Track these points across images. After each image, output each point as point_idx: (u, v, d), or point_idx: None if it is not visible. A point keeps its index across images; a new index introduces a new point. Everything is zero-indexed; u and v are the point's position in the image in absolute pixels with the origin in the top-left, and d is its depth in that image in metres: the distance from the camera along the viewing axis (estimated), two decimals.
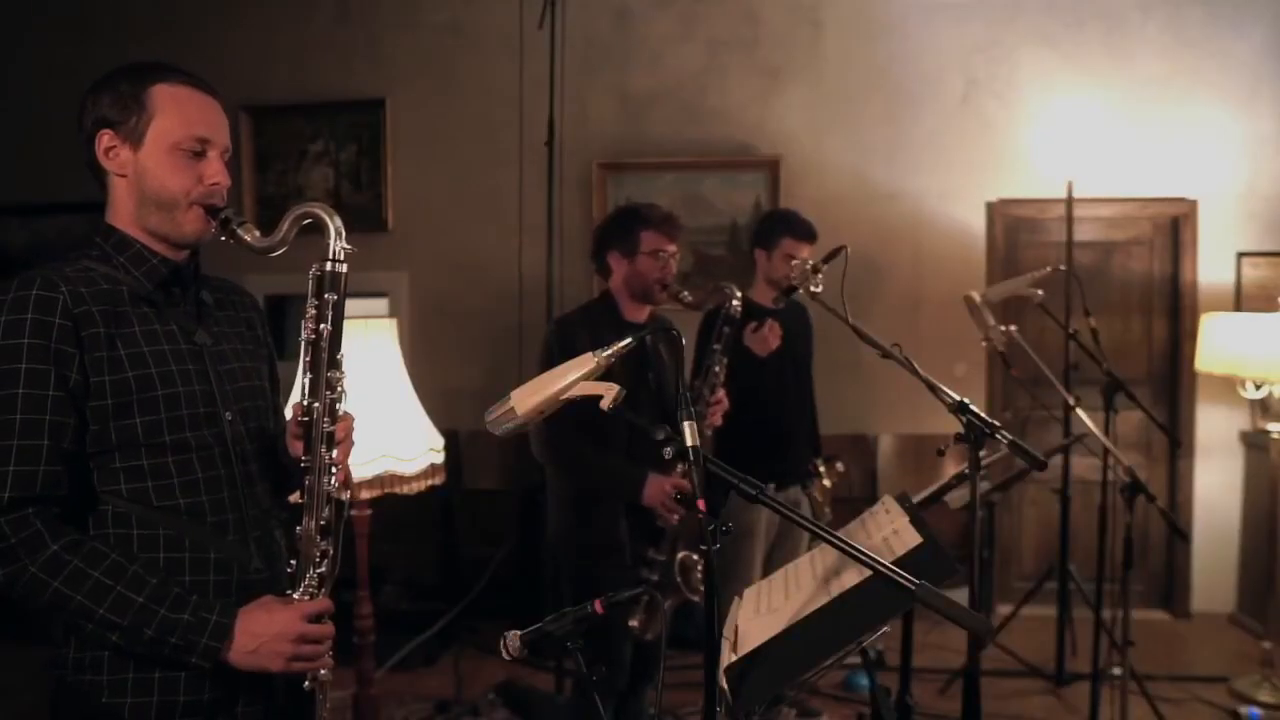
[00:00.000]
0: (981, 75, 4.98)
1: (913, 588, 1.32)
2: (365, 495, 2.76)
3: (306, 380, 1.58)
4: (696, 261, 5.00)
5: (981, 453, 2.07)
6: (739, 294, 2.98)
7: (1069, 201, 4.43)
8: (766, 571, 3.35)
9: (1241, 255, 4.92)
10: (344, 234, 1.57)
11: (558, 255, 4.43)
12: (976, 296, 3.38)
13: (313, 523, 1.57)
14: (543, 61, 4.39)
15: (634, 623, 2.73)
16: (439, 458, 2.97)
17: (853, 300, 2.16)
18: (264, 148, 5.33)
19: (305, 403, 1.58)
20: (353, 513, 2.78)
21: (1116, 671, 3.48)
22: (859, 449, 4.96)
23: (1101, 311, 4.47)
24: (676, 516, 2.74)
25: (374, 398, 2.76)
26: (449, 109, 5.22)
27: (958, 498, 2.57)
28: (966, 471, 2.12)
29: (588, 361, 1.46)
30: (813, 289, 2.36)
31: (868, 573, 1.44)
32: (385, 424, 2.79)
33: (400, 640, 4.29)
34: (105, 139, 1.53)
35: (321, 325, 1.57)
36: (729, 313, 2.97)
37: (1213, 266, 4.93)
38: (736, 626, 1.60)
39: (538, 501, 3.57)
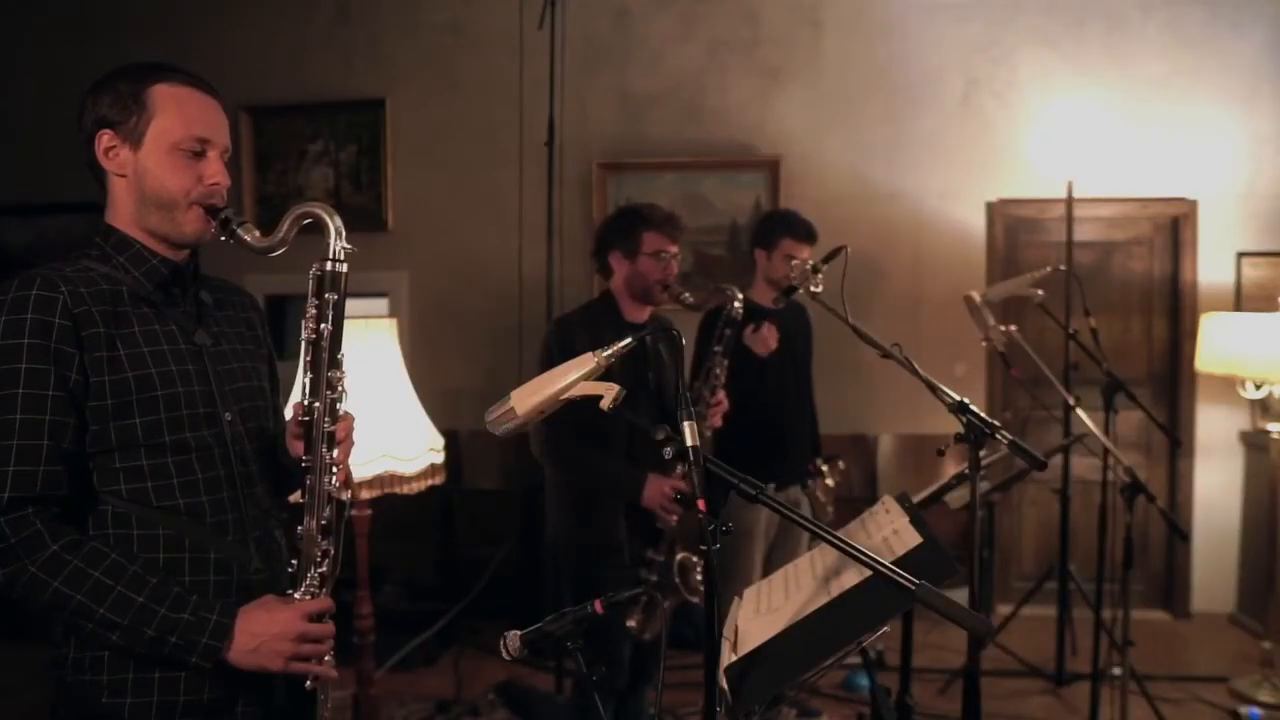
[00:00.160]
0: (981, 75, 4.98)
1: (913, 588, 1.32)
2: (365, 495, 2.76)
3: (307, 380, 1.58)
4: (696, 262, 5.00)
5: (981, 453, 2.07)
6: (740, 295, 2.98)
7: (1069, 201, 4.43)
8: (766, 571, 3.35)
9: (1241, 255, 4.92)
10: (344, 234, 1.57)
11: (558, 255, 4.43)
12: (976, 296, 3.38)
13: (313, 522, 1.57)
14: (543, 61, 4.39)
15: (633, 623, 2.73)
16: (439, 458, 2.97)
17: (853, 300, 2.16)
18: (264, 148, 5.33)
19: (305, 402, 1.58)
20: (353, 513, 2.78)
21: (1116, 671, 3.47)
22: (859, 449, 4.96)
23: (1101, 311, 4.48)
24: (676, 517, 2.74)
25: (374, 398, 2.76)
26: (449, 109, 5.22)
27: (958, 498, 2.57)
28: (966, 471, 2.12)
29: (588, 361, 1.46)
30: (813, 289, 2.36)
31: (868, 573, 1.44)
32: (385, 424, 2.79)
33: (400, 640, 4.29)
34: (105, 139, 1.53)
35: (322, 325, 1.57)
36: (730, 314, 2.97)
37: (1213, 266, 4.93)
38: (736, 626, 1.60)
39: (538, 501, 3.56)
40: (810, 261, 2.49)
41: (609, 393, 1.43)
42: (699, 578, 2.79)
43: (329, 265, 1.56)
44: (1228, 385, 4.45)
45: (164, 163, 1.53)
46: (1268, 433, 4.25)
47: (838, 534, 1.46)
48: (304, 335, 1.58)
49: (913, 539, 1.61)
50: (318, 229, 1.55)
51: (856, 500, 4.24)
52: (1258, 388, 4.24)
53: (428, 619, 4.45)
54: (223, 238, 1.56)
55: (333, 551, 1.59)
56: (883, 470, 5.05)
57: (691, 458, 1.36)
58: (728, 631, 1.59)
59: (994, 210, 5.01)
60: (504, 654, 1.58)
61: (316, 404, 1.57)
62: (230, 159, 1.61)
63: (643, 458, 2.73)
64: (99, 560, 1.43)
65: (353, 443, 1.66)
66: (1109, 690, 3.51)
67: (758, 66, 5.08)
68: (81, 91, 1.56)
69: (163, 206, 1.54)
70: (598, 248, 2.93)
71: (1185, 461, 5.00)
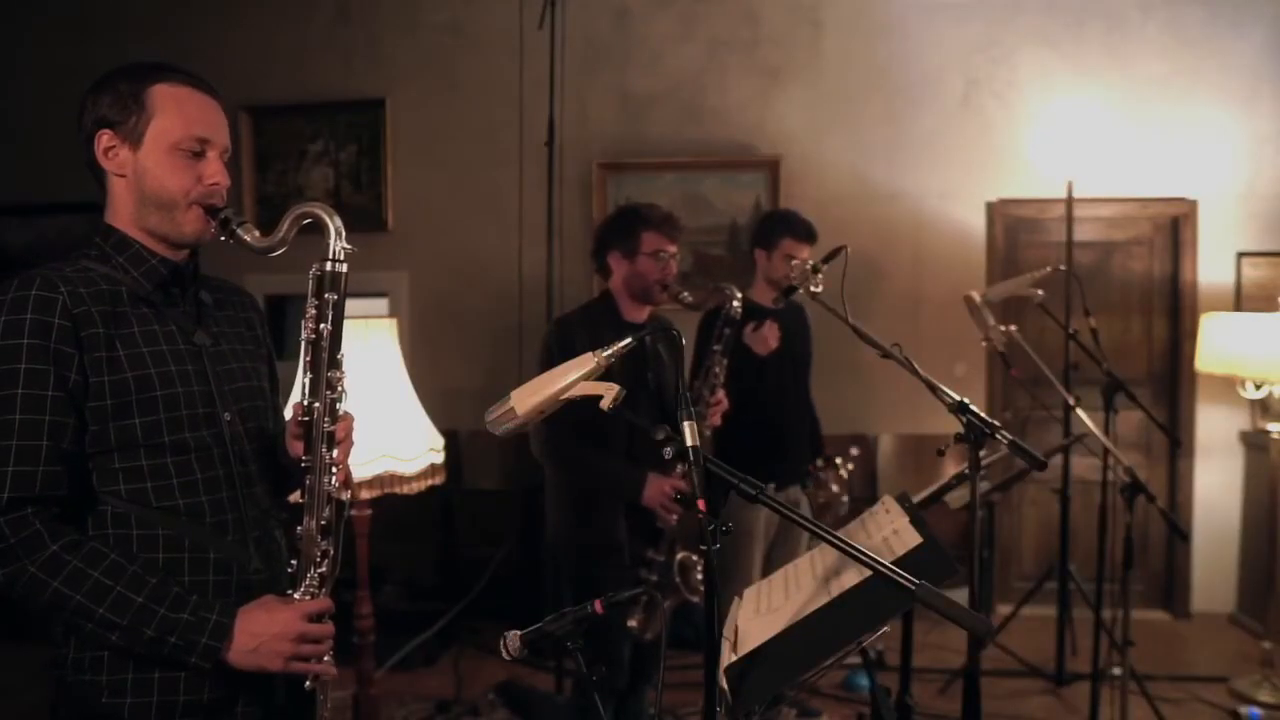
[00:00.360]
0: (981, 75, 4.98)
1: (913, 588, 1.32)
2: (365, 495, 2.76)
3: (306, 380, 1.58)
4: (696, 261, 5.00)
5: (981, 453, 2.07)
6: (739, 295, 2.98)
7: (1069, 201, 4.43)
8: (766, 571, 3.35)
9: (1241, 255, 4.92)
10: (344, 234, 1.57)
11: (558, 255, 4.43)
12: (976, 296, 3.38)
13: (313, 523, 1.57)
14: (543, 61, 4.39)
15: (633, 623, 2.73)
16: (439, 458, 2.97)
17: (853, 300, 2.16)
18: (264, 148, 5.33)
19: (305, 402, 1.58)
20: (353, 513, 2.78)
21: (1116, 671, 3.47)
22: (859, 449, 4.96)
23: (1101, 311, 4.48)
24: (676, 517, 2.74)
25: (374, 398, 2.76)
26: (449, 109, 5.22)
27: (958, 498, 2.57)
28: (966, 471, 2.11)
29: (588, 361, 1.46)
30: (813, 289, 2.36)
31: (868, 573, 1.43)
32: (385, 424, 2.79)
33: (400, 640, 4.29)
34: (104, 139, 1.53)
35: (321, 325, 1.57)
36: (729, 314, 2.97)
37: (1213, 266, 4.93)
38: (736, 626, 1.60)
39: (538, 501, 3.56)
40: (810, 261, 2.49)
41: (609, 393, 1.43)
42: (700, 577, 2.79)
43: (329, 265, 1.56)
44: (1228, 385, 4.45)
45: (163, 163, 1.53)
46: (1268, 433, 4.25)
47: (838, 534, 1.46)
48: (304, 335, 1.58)
49: (913, 539, 1.61)
50: (317, 229, 1.55)
51: (857, 500, 4.23)
52: (1258, 388, 4.24)
53: (428, 619, 4.45)
54: (222, 238, 1.56)
55: (332, 551, 1.59)
56: (883, 470, 5.05)
57: (691, 458, 1.36)
58: (728, 631, 1.59)
59: (994, 210, 5.01)
60: (504, 654, 1.58)
61: (316, 404, 1.57)
62: (230, 159, 1.61)
63: (643, 458, 2.73)
64: (98, 560, 1.43)
65: (352, 443, 1.66)
66: (1109, 690, 3.51)
67: (758, 66, 5.08)
68: (81, 91, 1.56)
69: (162, 206, 1.54)
70: (596, 248, 2.93)
71: (1185, 461, 5.00)
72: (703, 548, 1.34)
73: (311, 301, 1.57)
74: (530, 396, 1.46)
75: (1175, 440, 4.64)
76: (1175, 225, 5.01)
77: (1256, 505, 4.76)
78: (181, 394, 1.53)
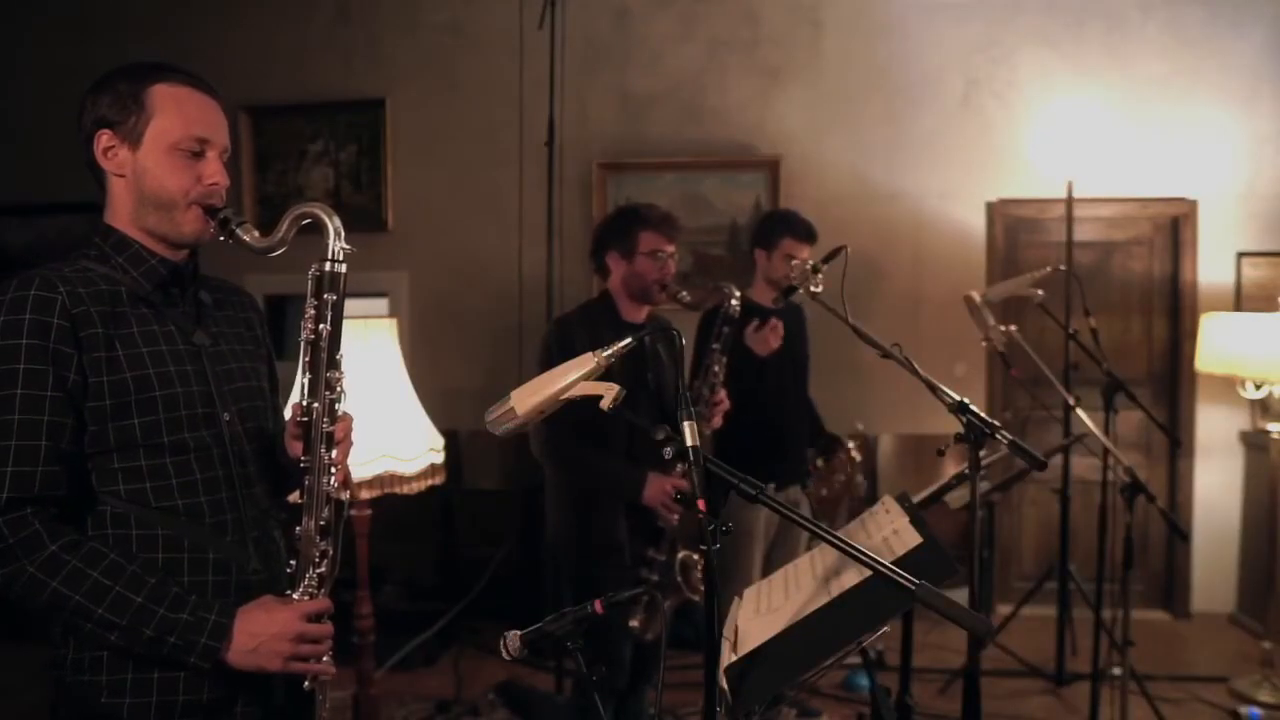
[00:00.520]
0: (981, 75, 4.98)
1: (913, 588, 1.32)
2: (365, 495, 2.76)
3: (306, 380, 1.58)
4: (696, 261, 5.00)
5: (981, 453, 2.07)
6: (737, 294, 2.98)
7: (1069, 201, 4.43)
8: (766, 571, 3.34)
9: (1241, 255, 4.92)
10: (343, 234, 1.57)
11: (558, 255, 4.43)
12: (976, 296, 3.38)
13: (312, 523, 1.57)
14: (543, 61, 4.39)
15: (634, 623, 2.73)
16: (439, 458, 2.97)
17: (853, 300, 2.16)
18: (264, 148, 5.33)
19: (305, 403, 1.58)
20: (352, 513, 2.78)
21: (1116, 671, 3.47)
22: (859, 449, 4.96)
23: (1101, 311, 4.47)
24: (676, 516, 2.74)
25: (374, 398, 2.76)
26: (449, 109, 5.22)
27: (958, 498, 2.57)
28: (966, 471, 2.11)
29: (587, 361, 1.46)
30: (813, 289, 2.36)
31: (868, 573, 1.43)
32: (385, 424, 2.79)
33: (400, 640, 4.29)
34: (104, 139, 1.53)
35: (321, 325, 1.57)
36: (728, 312, 2.97)
37: (1213, 266, 4.93)
38: (736, 626, 1.60)
39: (538, 501, 3.56)
40: (810, 261, 2.49)
41: (609, 393, 1.43)
42: (700, 576, 2.79)
43: (328, 265, 1.56)
44: (1228, 385, 4.45)
45: (163, 163, 1.53)
46: (1268, 433, 4.25)
47: (838, 534, 1.46)
48: (303, 335, 1.57)
49: (913, 539, 1.61)
50: (317, 229, 1.56)
51: (857, 500, 4.24)
52: (1258, 388, 4.24)
53: (428, 619, 4.44)
54: (222, 238, 1.56)
55: (331, 552, 1.59)
56: (883, 470, 5.05)
57: (691, 457, 1.36)
58: (728, 631, 1.59)
59: (994, 210, 5.00)
60: (504, 654, 1.58)
61: (315, 404, 1.57)
62: (230, 159, 1.61)
63: (643, 458, 2.73)
64: (97, 560, 1.43)
65: (351, 443, 1.66)
66: (1109, 690, 3.51)
67: (758, 66, 5.08)
68: (81, 91, 1.56)
69: (161, 206, 1.54)
70: (595, 248, 2.93)
71: (1185, 461, 5.00)
72: (703, 548, 1.34)
73: (311, 302, 1.57)
74: (530, 396, 1.46)
75: (1175, 440, 4.64)
76: (1175, 225, 5.01)
77: (1256, 505, 4.75)
78: (181, 394, 1.53)
